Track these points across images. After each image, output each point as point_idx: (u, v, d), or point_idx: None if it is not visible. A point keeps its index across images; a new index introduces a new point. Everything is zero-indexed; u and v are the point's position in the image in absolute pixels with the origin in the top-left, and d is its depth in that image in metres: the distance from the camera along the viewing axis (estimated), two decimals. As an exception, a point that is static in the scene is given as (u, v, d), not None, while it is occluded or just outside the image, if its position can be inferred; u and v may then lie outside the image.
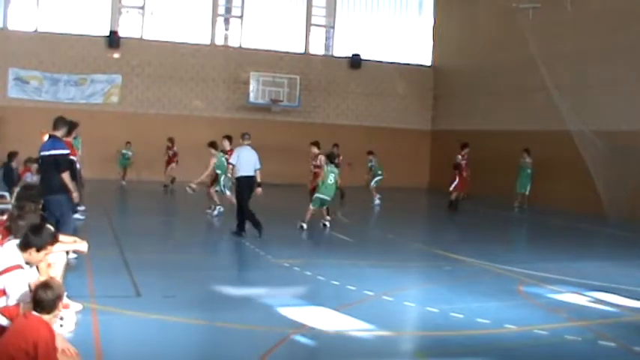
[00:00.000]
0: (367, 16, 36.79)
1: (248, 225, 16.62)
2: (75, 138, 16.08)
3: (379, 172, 27.30)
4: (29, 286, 6.66)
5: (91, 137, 21.07)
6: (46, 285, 6.06)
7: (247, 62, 33.77)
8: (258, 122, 33.37)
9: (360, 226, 19.61)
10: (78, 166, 15.94)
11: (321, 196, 18.65)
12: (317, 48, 36.40)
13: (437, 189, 33.62)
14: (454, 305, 10.45)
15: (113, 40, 31.88)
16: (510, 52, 29.84)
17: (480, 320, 9.60)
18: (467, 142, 25.68)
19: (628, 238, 20.29)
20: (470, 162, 25.55)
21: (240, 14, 34.74)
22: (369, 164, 27.54)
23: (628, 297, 11.50)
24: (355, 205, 25.84)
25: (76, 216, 15.66)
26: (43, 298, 5.93)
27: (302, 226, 18.35)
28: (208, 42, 34.11)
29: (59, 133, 12.52)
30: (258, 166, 16.93)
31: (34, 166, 17.09)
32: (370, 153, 27.76)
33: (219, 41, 34.65)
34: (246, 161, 16.73)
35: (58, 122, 12.64)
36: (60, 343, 6.18)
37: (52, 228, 7.26)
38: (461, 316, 9.82)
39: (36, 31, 31.30)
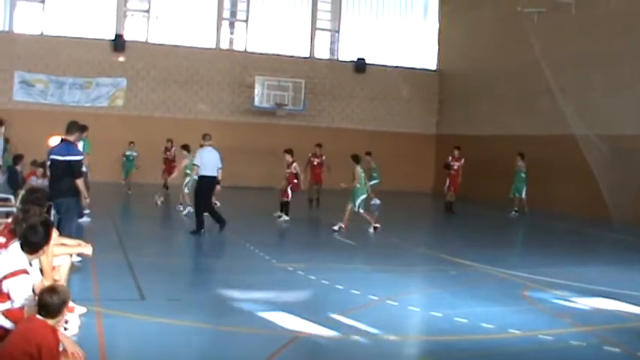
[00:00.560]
0: (372, 21, 36.85)
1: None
2: (83, 140, 16.05)
3: (374, 175, 27.20)
4: (33, 289, 6.67)
5: (96, 140, 21.05)
6: (52, 289, 6.07)
7: (252, 66, 33.82)
8: (262, 126, 33.48)
9: (364, 230, 19.59)
10: (85, 169, 15.96)
11: (361, 196, 19.42)
12: (322, 52, 36.46)
13: (441, 193, 33.50)
14: (458, 310, 10.44)
15: (118, 43, 31.96)
16: (515, 56, 29.83)
17: (484, 325, 9.59)
18: (458, 145, 26.15)
19: (632, 242, 20.24)
20: (465, 164, 25.84)
21: (245, 18, 34.82)
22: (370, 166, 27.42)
23: (632, 303, 11.45)
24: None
25: (83, 219, 15.71)
26: (48, 303, 5.93)
27: (375, 228, 19.34)
28: (213, 46, 34.18)
29: (72, 138, 12.48)
30: (220, 165, 17.47)
31: (40, 170, 17.10)
32: (368, 154, 27.57)
33: (224, 45, 34.73)
34: (208, 161, 17.29)
35: (72, 127, 12.55)
36: (69, 346, 6.18)
37: (46, 227, 7.18)
38: (465, 320, 9.80)
39: (41, 34, 31.40)
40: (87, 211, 16.86)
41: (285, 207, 21.55)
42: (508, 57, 30.77)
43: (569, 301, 11.57)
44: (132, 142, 28.90)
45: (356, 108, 36.08)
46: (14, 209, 12.24)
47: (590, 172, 23.95)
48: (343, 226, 19.12)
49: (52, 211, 12.88)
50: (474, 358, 8.46)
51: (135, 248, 14.90)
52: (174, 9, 33.71)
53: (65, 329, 7.49)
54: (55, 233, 7.86)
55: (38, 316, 5.92)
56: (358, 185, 19.41)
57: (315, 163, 26.16)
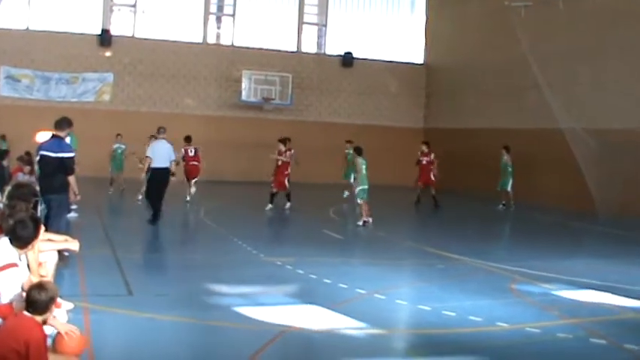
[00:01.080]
0: (359, 15, 36.83)
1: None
2: (69, 135, 15.98)
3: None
4: (21, 285, 6.63)
5: (83, 135, 20.96)
6: (40, 286, 6.04)
7: (239, 60, 33.76)
8: (250, 120, 33.44)
9: (351, 223, 19.62)
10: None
11: (363, 187, 19.72)
12: (309, 46, 36.42)
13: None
14: (446, 303, 10.47)
15: (105, 38, 31.84)
16: (502, 50, 29.88)
17: (472, 318, 9.62)
18: (427, 140, 27.29)
19: (619, 235, 20.33)
20: (437, 158, 26.48)
21: (232, 12, 34.75)
22: (347, 152, 27.24)
23: (619, 295, 11.53)
24: (341, 202, 25.78)
25: (71, 215, 15.66)
26: (36, 299, 5.90)
27: (365, 222, 19.43)
28: (200, 40, 34.10)
29: (63, 134, 12.43)
30: (173, 157, 18.30)
31: (27, 168, 17.04)
32: (349, 142, 27.27)
33: (211, 39, 34.65)
34: (160, 153, 18.01)
35: (62, 122, 12.50)
36: (61, 328, 6.19)
37: (35, 222, 7.15)
38: (453, 314, 9.84)
39: (27, 29, 31.23)
40: (74, 207, 16.80)
41: (273, 197, 22.52)
42: (495, 51, 30.81)
43: (556, 293, 11.63)
44: (119, 135, 27.80)
45: (343, 102, 36.08)
46: (0, 205, 12.19)
47: (577, 166, 24.05)
48: (369, 220, 19.53)
49: (39, 207, 12.87)
50: (462, 351, 8.48)
51: (122, 244, 14.86)
52: (160, 3, 33.61)
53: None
54: (42, 229, 7.82)
55: (26, 313, 5.90)
56: (357, 175, 20.01)
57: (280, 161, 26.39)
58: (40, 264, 7.67)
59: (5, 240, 6.94)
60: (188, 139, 25.74)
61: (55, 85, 31.01)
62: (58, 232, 10.13)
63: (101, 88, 31.81)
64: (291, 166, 23.78)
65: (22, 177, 17.19)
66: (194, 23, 34.05)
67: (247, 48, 34.41)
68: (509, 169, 26.01)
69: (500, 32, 29.58)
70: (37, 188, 12.50)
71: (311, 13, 36.26)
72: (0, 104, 29.82)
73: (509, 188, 25.98)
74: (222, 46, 34.61)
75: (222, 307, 9.88)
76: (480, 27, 32.50)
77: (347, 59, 35.90)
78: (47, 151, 12.13)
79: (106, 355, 7.57)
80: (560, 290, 11.83)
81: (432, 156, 26.19)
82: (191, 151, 26.37)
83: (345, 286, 11.30)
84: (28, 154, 17.16)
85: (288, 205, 22.88)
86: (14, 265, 6.73)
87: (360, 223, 19.62)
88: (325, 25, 36.48)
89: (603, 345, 8.79)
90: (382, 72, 36.51)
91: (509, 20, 26.68)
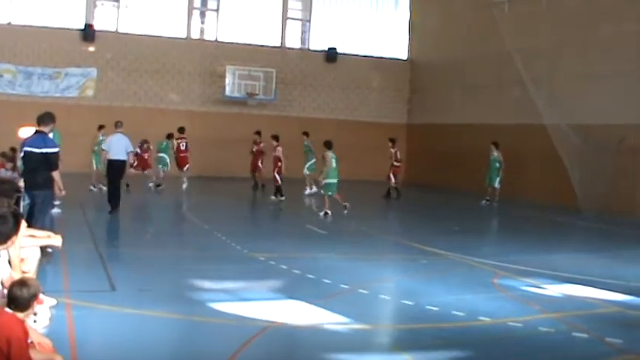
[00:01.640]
0: (343, 10, 36.78)
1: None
2: (52, 131, 15.91)
3: (310, 154, 27.14)
4: (1, 282, 6.62)
5: (66, 131, 20.91)
6: (22, 283, 6.01)
7: (223, 56, 33.68)
8: (233, 116, 33.39)
9: (335, 218, 19.64)
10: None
11: (330, 180, 20.28)
12: (293, 41, 36.36)
13: (413, 183, 33.75)
14: (429, 298, 10.51)
15: (88, 33, 31.66)
16: (486, 45, 29.96)
17: (454, 313, 9.66)
18: (394, 137, 27.78)
19: (602, 230, 20.47)
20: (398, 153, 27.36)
21: (216, 7, 34.63)
22: (305, 145, 27.55)
23: (601, 288, 11.62)
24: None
25: (54, 210, 15.60)
26: (18, 296, 5.88)
27: (327, 213, 20.05)
28: (184, 35, 33.98)
29: (47, 129, 12.37)
30: (130, 149, 19.39)
31: (10, 164, 16.93)
32: (305, 134, 27.71)
33: (195, 34, 34.53)
34: (116, 146, 19.08)
35: (46, 118, 12.43)
36: (35, 337, 6.14)
37: (16, 217, 7.11)
38: (436, 308, 9.88)
39: (9, 24, 30.99)
40: (57, 203, 16.74)
41: (278, 190, 24.11)
42: (479, 47, 30.89)
43: (539, 288, 11.70)
44: (102, 126, 26.56)
45: (327, 97, 36.07)
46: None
47: (561, 161, 24.18)
48: (329, 212, 20.12)
49: (21, 203, 12.83)
50: (445, 345, 8.50)
51: (106, 239, 14.82)
52: (144, -2, 33.47)
53: (35, 322, 7.45)
54: (24, 225, 7.80)
55: (7, 310, 5.87)
56: (326, 168, 20.36)
57: (254, 150, 27.55)
58: (22, 260, 7.65)
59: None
60: (181, 130, 26.48)
61: (37, 80, 30.84)
62: (42, 228, 10.11)
63: (84, 84, 31.67)
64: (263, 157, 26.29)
65: (4, 173, 17.10)
66: (178, 18, 33.90)
67: (231, 43, 34.32)
68: (497, 165, 26.08)
69: (484, 28, 29.67)
70: (21, 184, 12.49)
71: (295, 9, 36.21)
72: (-18, 100, 29.63)
73: (496, 184, 26.07)
74: (206, 41, 34.50)
75: (205, 303, 9.86)
76: (464, 23, 32.57)
77: (331, 54, 35.88)
78: (31, 147, 12.07)
79: (89, 352, 7.54)
80: (542, 284, 11.89)
81: (392, 151, 27.04)
82: (183, 145, 26.74)
83: (328, 282, 11.32)
84: (13, 150, 17.07)
85: (273, 197, 24.01)
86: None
87: (322, 214, 20.11)
88: (309, 21, 36.44)
89: (585, 339, 8.85)
90: (366, 67, 36.54)
91: (493, 16, 26.77)
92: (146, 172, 26.10)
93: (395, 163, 26.87)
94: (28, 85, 30.58)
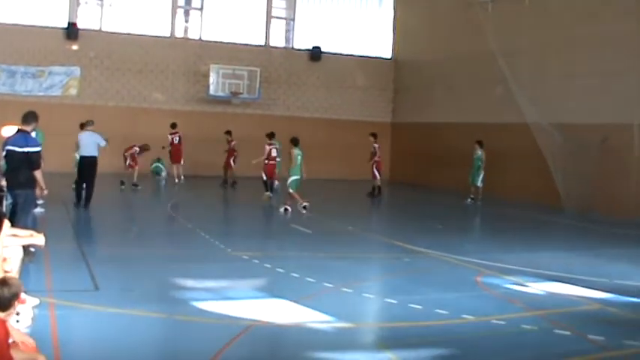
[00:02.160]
0: (328, 9, 36.77)
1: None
2: (35, 130, 15.84)
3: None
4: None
5: (50, 130, 20.77)
6: (3, 282, 5.98)
7: (207, 54, 33.62)
8: (218, 115, 33.30)
9: (319, 217, 19.66)
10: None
11: (294, 177, 20.87)
12: (277, 40, 36.31)
13: (397, 181, 33.83)
14: (413, 296, 10.55)
15: (71, 31, 31.51)
16: (470, 44, 30.01)
17: (438, 311, 9.69)
18: (375, 132, 28.19)
19: (584, 228, 20.56)
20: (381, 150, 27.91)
21: (200, 6, 34.54)
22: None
23: (583, 286, 11.70)
24: (311, 196, 25.79)
25: (37, 210, 15.54)
26: (-1, 295, 5.87)
27: (286, 209, 20.64)
28: (168, 34, 33.87)
29: (29, 128, 12.32)
30: (102, 144, 20.17)
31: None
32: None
33: (178, 33, 34.41)
34: (86, 143, 19.96)
35: (29, 117, 12.38)
36: (17, 337, 6.12)
37: None
38: (419, 307, 9.91)
39: (-8, 22, 30.82)
40: (40, 202, 16.68)
41: (266, 185, 24.38)
42: (463, 46, 30.94)
43: (522, 286, 11.77)
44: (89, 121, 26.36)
45: (311, 96, 36.05)
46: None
47: (544, 160, 24.27)
48: (289, 208, 20.76)
49: (4, 202, 12.78)
50: (429, 343, 8.54)
51: (89, 238, 14.78)
52: (127, -3, 33.35)
53: (17, 321, 7.43)
54: (6, 224, 7.77)
55: (-13, 309, 5.85)
56: (292, 165, 20.99)
57: (227, 148, 28.36)
58: (4, 259, 7.62)
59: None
60: (173, 126, 27.00)
61: (20, 78, 30.67)
62: (24, 227, 10.07)
63: (68, 82, 31.52)
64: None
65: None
66: (162, 17, 33.79)
67: (215, 42, 34.25)
68: (479, 164, 26.13)
69: (468, 27, 29.72)
70: (3, 183, 12.45)
71: (279, 7, 36.15)
72: (-36, 98, 29.42)
73: (479, 183, 26.11)
74: (190, 40, 34.42)
75: (188, 302, 9.85)
76: (447, 22, 32.64)
77: (315, 53, 35.86)
78: (13, 145, 12.02)
79: (72, 351, 7.52)
80: (525, 282, 11.96)
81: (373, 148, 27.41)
82: (176, 139, 27.16)
83: (312, 280, 11.33)
84: None
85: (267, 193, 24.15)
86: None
87: (282, 209, 20.68)
88: (293, 19, 36.40)
89: (567, 336, 8.91)
90: (350, 66, 36.55)
91: (476, 15, 26.84)
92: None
93: (376, 159, 27.08)
94: (11, 84, 30.40)
